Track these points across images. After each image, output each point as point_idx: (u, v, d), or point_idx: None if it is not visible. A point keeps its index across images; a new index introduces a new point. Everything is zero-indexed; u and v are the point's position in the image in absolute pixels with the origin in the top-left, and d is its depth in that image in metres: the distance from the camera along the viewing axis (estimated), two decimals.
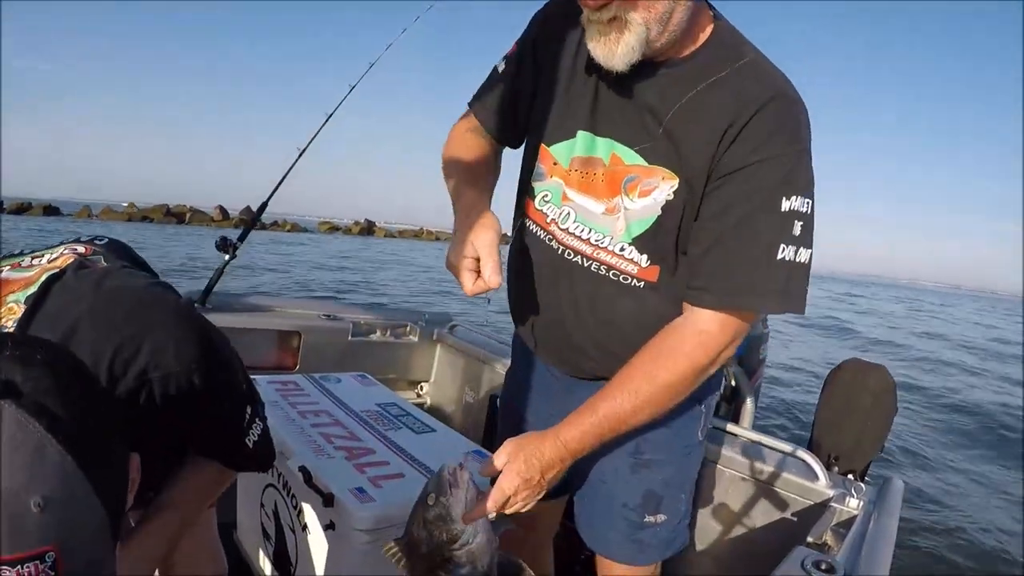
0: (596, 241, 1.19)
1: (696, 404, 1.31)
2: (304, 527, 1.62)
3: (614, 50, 1.03)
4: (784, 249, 1.05)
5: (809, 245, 1.08)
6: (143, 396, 0.97)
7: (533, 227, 1.28)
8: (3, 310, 0.97)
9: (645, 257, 1.17)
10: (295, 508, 1.66)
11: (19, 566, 0.56)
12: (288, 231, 57.69)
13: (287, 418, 1.81)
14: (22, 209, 49.39)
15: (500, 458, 1.11)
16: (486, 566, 1.08)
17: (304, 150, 3.13)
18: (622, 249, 1.17)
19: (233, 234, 2.92)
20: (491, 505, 1.07)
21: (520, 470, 1.08)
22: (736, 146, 1.06)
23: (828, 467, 1.97)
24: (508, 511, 1.11)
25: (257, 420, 1.20)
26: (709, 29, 1.12)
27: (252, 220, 3.15)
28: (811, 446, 2.33)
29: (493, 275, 1.08)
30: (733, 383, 2.46)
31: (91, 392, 0.71)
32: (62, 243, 1.14)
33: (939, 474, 6.82)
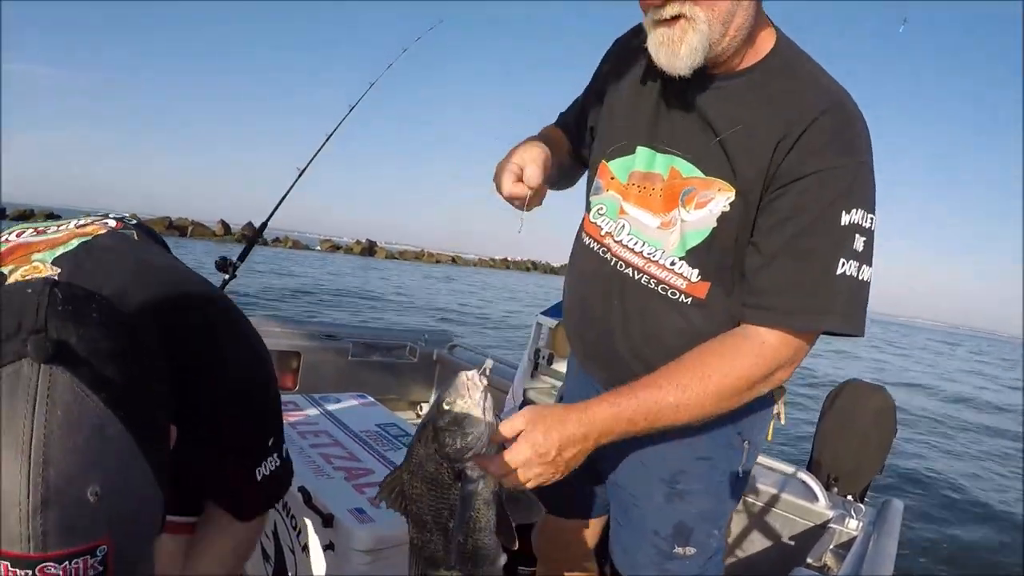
0: (648, 254, 1.17)
1: (737, 436, 1.24)
2: (304, 547, 1.62)
3: (677, 51, 1.01)
4: (844, 264, 1.00)
5: (870, 263, 1.03)
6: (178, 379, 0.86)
7: (587, 240, 1.29)
8: (28, 267, 0.84)
9: (696, 272, 1.13)
10: (295, 528, 1.66)
11: (67, 562, 0.49)
12: (289, 248, 57.75)
13: (286, 439, 1.81)
14: (24, 216, 49.49)
15: (516, 422, 1.00)
16: (496, 484, 1.00)
17: (303, 171, 3.15)
18: (672, 263, 1.15)
19: (234, 251, 2.92)
20: (494, 469, 0.98)
21: (536, 442, 0.98)
22: (791, 156, 1.03)
23: (828, 488, 1.97)
24: (516, 485, 1.01)
25: (275, 455, 1.09)
26: (771, 41, 1.11)
27: (251, 240, 3.16)
28: (811, 467, 2.33)
29: (533, 176, 1.10)
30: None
31: (146, 361, 0.62)
32: (88, 215, 1.03)
33: (939, 496, 6.79)
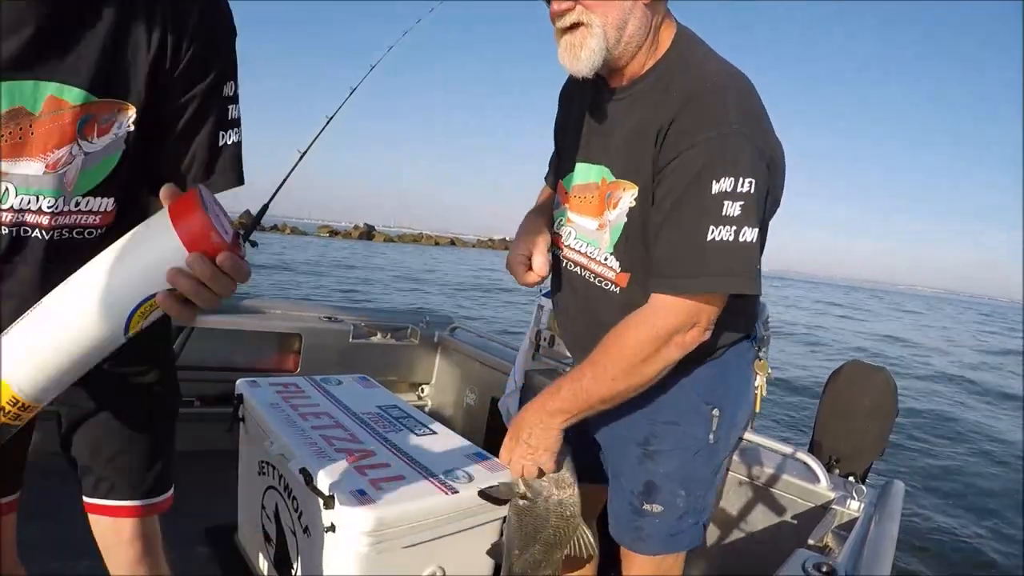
0: (588, 253, 1.33)
1: (704, 404, 1.34)
2: (305, 529, 1.62)
3: (578, 55, 1.14)
4: (715, 230, 1.09)
5: (754, 225, 1.10)
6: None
7: (554, 249, 1.43)
8: None
9: (619, 264, 1.28)
10: (296, 510, 1.66)
11: None
12: (288, 234, 57.63)
13: (288, 420, 1.81)
14: None
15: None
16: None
17: (304, 153, 3.13)
18: (605, 259, 1.30)
19: None
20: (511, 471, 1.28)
21: (508, 436, 1.27)
22: (667, 142, 1.14)
23: (829, 469, 1.97)
24: (520, 471, 1.26)
25: (237, 128, 1.07)
26: (670, 38, 1.22)
27: (251, 224, 3.15)
28: (812, 448, 2.33)
29: (542, 265, 1.33)
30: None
31: None
32: None
33: (940, 476, 6.82)
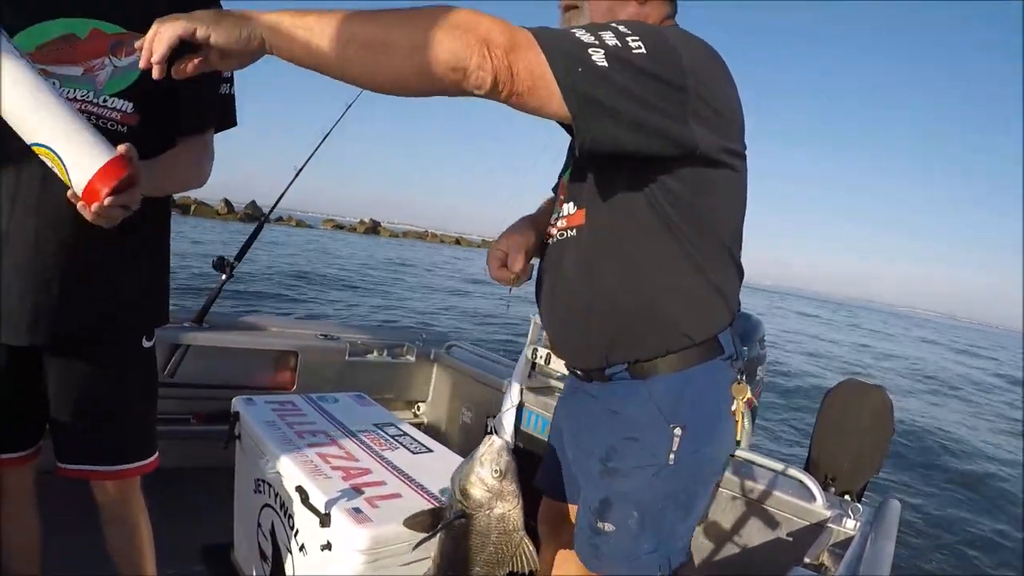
0: (563, 214, 1.32)
1: (664, 421, 1.23)
2: (301, 548, 1.62)
3: None
4: (579, 31, 1.00)
5: (623, 63, 0.98)
6: None
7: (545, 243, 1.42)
8: None
9: (575, 204, 1.28)
10: (292, 528, 1.66)
11: None
12: (294, 227, 57.75)
13: (284, 438, 1.81)
14: None
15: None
16: None
17: (300, 170, 3.16)
18: (571, 211, 1.29)
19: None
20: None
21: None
22: None
23: (825, 487, 1.97)
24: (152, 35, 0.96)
25: (232, 81, 1.52)
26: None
27: (254, 231, 3.16)
28: (808, 466, 2.34)
29: (515, 263, 1.34)
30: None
31: None
32: None
33: (936, 495, 6.81)
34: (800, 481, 1.98)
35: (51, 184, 1.20)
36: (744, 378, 1.27)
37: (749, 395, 1.25)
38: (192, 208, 48.83)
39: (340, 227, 70.68)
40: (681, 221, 1.16)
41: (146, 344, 1.53)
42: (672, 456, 1.23)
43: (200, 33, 0.95)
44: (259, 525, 1.87)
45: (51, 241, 1.30)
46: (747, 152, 1.22)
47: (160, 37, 0.95)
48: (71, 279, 1.33)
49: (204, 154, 1.51)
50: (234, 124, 1.59)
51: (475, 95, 0.98)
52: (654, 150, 1.06)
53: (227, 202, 53.38)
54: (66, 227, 1.28)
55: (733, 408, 1.25)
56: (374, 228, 72.49)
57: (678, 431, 1.22)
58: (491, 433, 1.33)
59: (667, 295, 1.20)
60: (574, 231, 1.26)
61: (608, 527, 1.27)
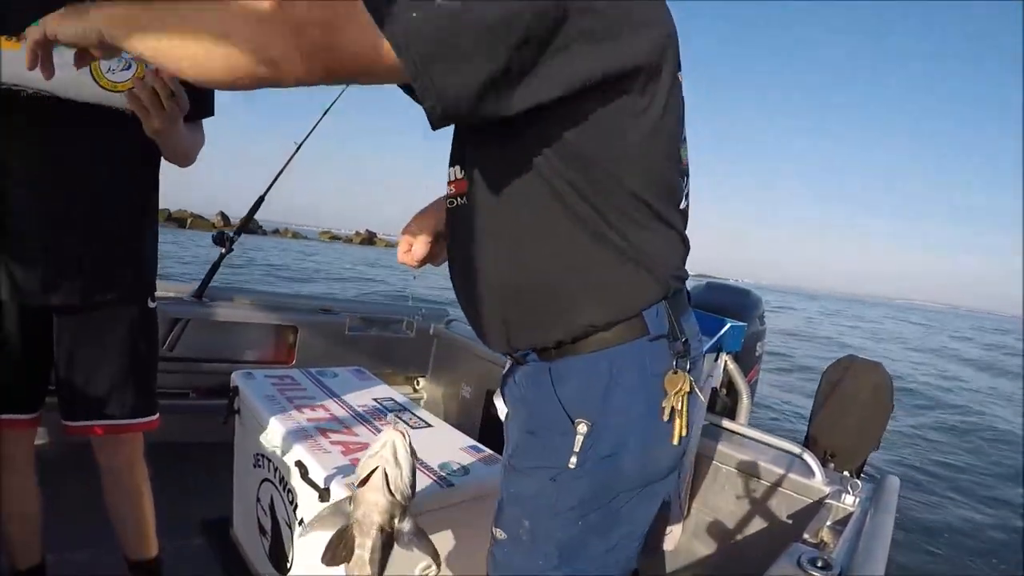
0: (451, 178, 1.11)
1: (565, 415, 1.02)
2: (300, 521, 1.62)
3: None
4: None
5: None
6: None
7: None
8: None
9: (459, 169, 1.06)
10: (291, 503, 1.66)
11: None
12: (290, 239, 57.81)
13: (283, 413, 1.81)
14: None
15: None
16: None
17: (300, 145, 3.13)
18: (457, 176, 1.07)
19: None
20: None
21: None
22: None
23: (824, 464, 1.97)
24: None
25: None
26: None
27: (249, 214, 3.14)
28: (807, 443, 2.34)
29: (418, 251, 1.23)
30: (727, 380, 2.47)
31: None
32: None
33: (935, 471, 6.85)
34: (799, 457, 1.98)
35: (63, 154, 1.36)
36: (687, 365, 1.02)
37: (689, 387, 1.00)
38: (189, 222, 49.13)
39: (336, 238, 70.77)
40: (573, 175, 0.93)
41: (151, 304, 1.64)
42: (574, 458, 1.01)
43: (49, 31, 0.96)
44: (258, 499, 1.87)
45: (64, 207, 1.40)
46: (667, 65, 0.94)
47: (29, 43, 0.99)
48: (84, 242, 1.44)
49: (198, 136, 1.62)
50: (211, 114, 1.65)
51: (308, 85, 0.82)
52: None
53: (223, 215, 53.67)
54: (79, 195, 1.40)
55: (664, 405, 0.99)
56: (370, 239, 72.46)
57: (582, 428, 1.01)
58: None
59: (561, 271, 0.99)
60: (464, 199, 1.05)
61: (500, 533, 1.11)
